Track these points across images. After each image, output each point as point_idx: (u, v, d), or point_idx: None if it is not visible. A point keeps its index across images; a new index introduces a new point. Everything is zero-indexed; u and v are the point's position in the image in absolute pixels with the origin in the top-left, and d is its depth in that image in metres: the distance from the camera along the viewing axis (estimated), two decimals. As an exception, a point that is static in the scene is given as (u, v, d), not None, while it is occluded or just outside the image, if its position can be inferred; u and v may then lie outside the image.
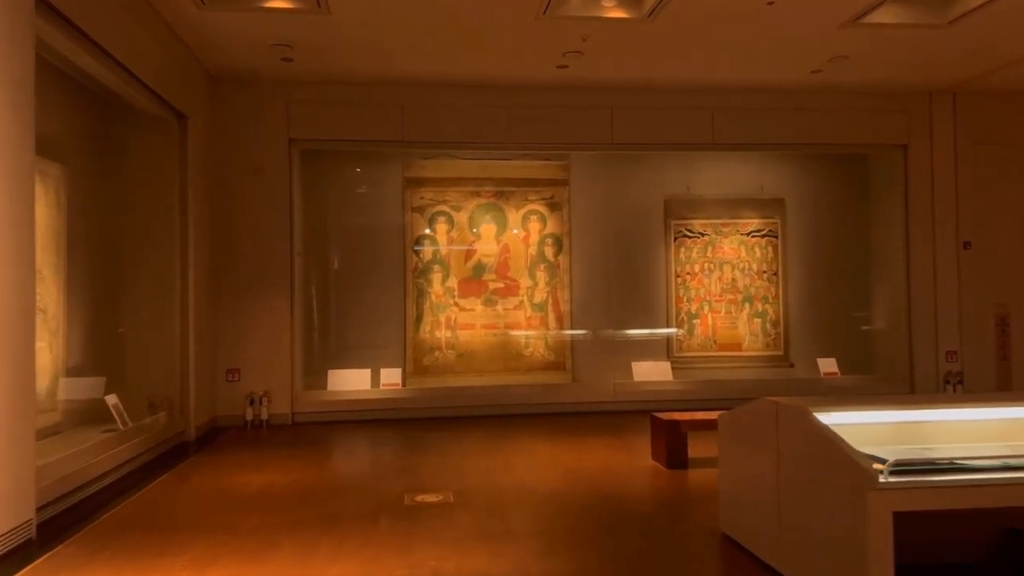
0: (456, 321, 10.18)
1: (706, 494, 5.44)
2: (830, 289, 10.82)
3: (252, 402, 8.75)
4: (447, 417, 9.09)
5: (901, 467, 3.12)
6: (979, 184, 10.01)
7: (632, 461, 6.70)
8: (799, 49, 8.31)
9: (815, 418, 3.47)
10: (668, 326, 10.49)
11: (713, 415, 6.54)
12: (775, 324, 10.66)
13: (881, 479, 3.04)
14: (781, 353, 10.64)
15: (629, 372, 10.00)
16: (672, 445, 6.29)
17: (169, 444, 7.46)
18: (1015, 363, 10.00)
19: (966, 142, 10.03)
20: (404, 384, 9.70)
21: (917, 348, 9.96)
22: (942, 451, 3.59)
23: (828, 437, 3.30)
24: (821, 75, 9.15)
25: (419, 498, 5.39)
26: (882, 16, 7.46)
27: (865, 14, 7.33)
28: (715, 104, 9.71)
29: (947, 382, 9.81)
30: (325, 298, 10.06)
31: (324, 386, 9.42)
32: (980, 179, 10.02)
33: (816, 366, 10.33)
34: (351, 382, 9.42)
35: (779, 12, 7.20)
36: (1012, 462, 3.23)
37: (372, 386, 9.49)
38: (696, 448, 6.37)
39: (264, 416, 8.76)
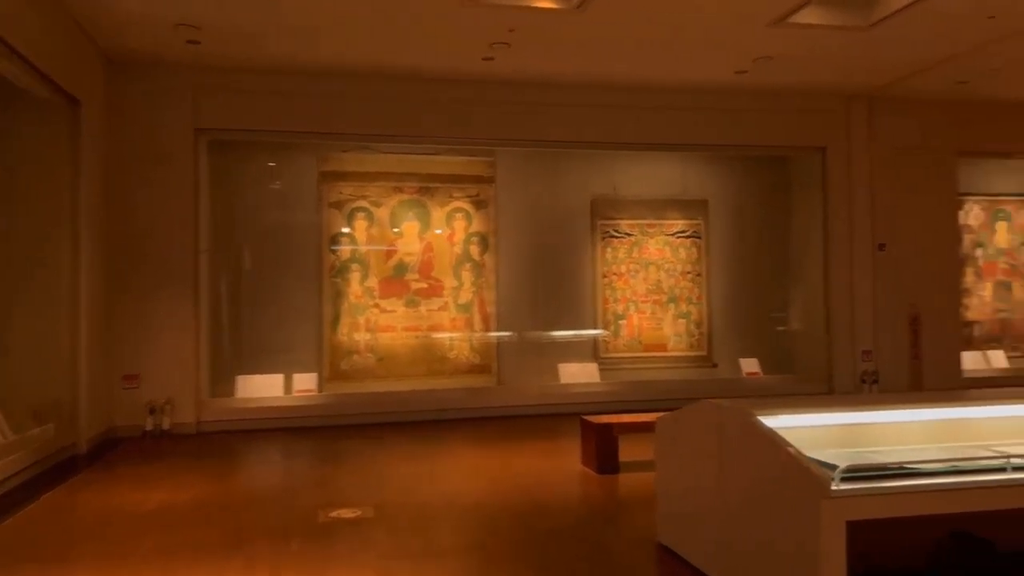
0: (376, 323, 9.76)
1: (640, 501, 5.24)
2: (752, 289, 10.92)
3: (152, 411, 8.08)
4: (366, 424, 8.64)
5: (852, 473, 2.96)
6: (893, 187, 10.26)
7: (562, 466, 6.45)
8: (727, 47, 8.28)
9: (760, 422, 3.29)
10: (595, 327, 10.35)
11: (645, 417, 6.39)
12: (699, 325, 10.66)
13: (833, 486, 2.86)
14: (705, 353, 10.65)
15: (556, 374, 9.80)
16: (603, 449, 6.07)
17: (57, 458, 6.78)
18: (926, 362, 10.29)
19: (881, 146, 10.26)
20: (320, 390, 9.21)
21: (835, 348, 10.12)
22: (887, 454, 3.47)
23: (776, 442, 3.12)
24: (746, 76, 9.17)
25: (336, 514, 4.99)
26: (808, 16, 7.48)
27: (793, 13, 7.33)
28: (643, 103, 9.61)
29: (863, 381, 10.00)
30: (234, 299, 9.46)
31: (232, 393, 8.83)
32: (894, 182, 10.27)
33: (739, 366, 10.40)
34: (262, 388, 8.87)
35: (711, 6, 7.11)
36: (961, 465, 3.12)
37: (285, 392, 8.97)
38: (627, 452, 6.17)
39: (166, 426, 8.10)
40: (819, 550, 2.83)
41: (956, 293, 10.62)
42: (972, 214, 11.47)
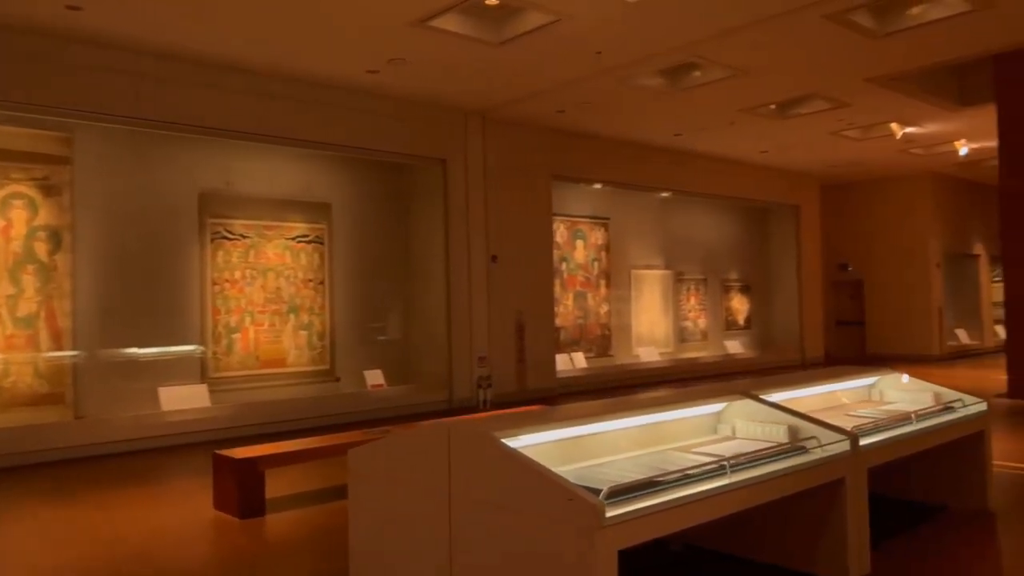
0: None
1: (304, 546, 4.43)
2: (376, 299, 10.62)
3: None
4: None
5: (613, 497, 2.68)
6: (503, 203, 10.91)
7: (188, 515, 5.23)
8: (363, 42, 7.82)
9: (510, 447, 2.85)
10: (203, 341, 8.95)
11: (292, 445, 5.57)
12: (322, 336, 9.97)
13: (606, 513, 2.54)
14: (327, 367, 9.99)
15: (156, 400, 8.18)
16: (246, 488, 5.06)
17: None
18: (528, 365, 11.13)
19: (493, 163, 10.83)
20: None
21: (455, 355, 10.33)
22: (610, 466, 3.32)
23: (535, 469, 2.70)
24: (377, 76, 8.84)
25: None
26: (448, 23, 7.42)
27: (435, 16, 7.19)
28: (264, 90, 8.63)
29: (479, 386, 10.38)
30: None
31: None
32: (504, 198, 10.92)
33: (363, 379, 9.98)
34: None
35: (358, -8, 6.58)
36: (691, 473, 3.07)
37: None
38: (269, 487, 5.27)
39: None
40: (593, 588, 2.48)
41: (550, 302, 11.70)
42: (558, 232, 12.82)
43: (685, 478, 3.03)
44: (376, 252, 10.63)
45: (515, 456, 2.80)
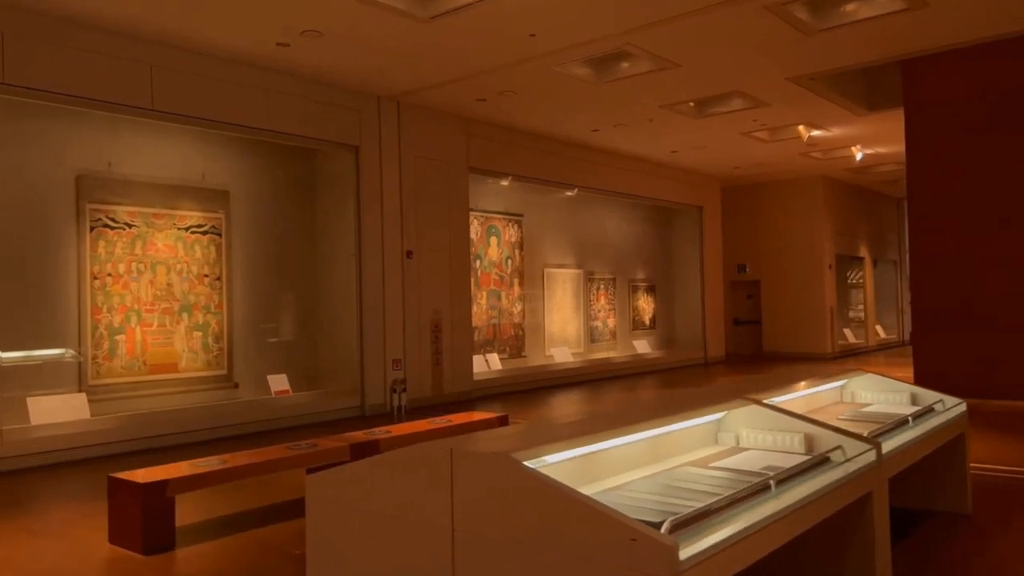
0: None
1: (237, 591, 3.69)
2: (280, 297, 9.69)
3: None
4: None
5: (677, 530, 2.18)
6: (419, 195, 10.24)
7: (78, 551, 4.32)
8: (277, 9, 6.99)
9: (539, 473, 2.29)
10: (81, 344, 7.79)
11: (209, 464, 4.75)
12: (218, 338, 8.95)
13: (681, 555, 2.04)
14: (225, 372, 9.00)
15: (24, 413, 7.01)
16: (153, 517, 4.23)
17: None
18: (445, 367, 10.53)
19: (408, 152, 10.15)
20: None
21: (367, 358, 9.58)
22: (634, 488, 2.82)
23: (580, 501, 2.16)
24: (288, 51, 8.00)
25: None
26: (376, -10, 6.75)
27: (363, -18, 6.50)
28: (157, 59, 7.61)
29: (394, 390, 9.68)
30: None
31: None
32: (420, 190, 10.26)
33: (267, 385, 9.05)
34: None
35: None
36: (736, 495, 2.61)
37: None
38: (179, 514, 4.46)
39: None
40: (665, 650, 1.97)
41: (467, 301, 11.13)
42: (472, 228, 12.25)
43: (734, 502, 2.57)
44: (280, 245, 9.70)
45: (548, 483, 2.25)
